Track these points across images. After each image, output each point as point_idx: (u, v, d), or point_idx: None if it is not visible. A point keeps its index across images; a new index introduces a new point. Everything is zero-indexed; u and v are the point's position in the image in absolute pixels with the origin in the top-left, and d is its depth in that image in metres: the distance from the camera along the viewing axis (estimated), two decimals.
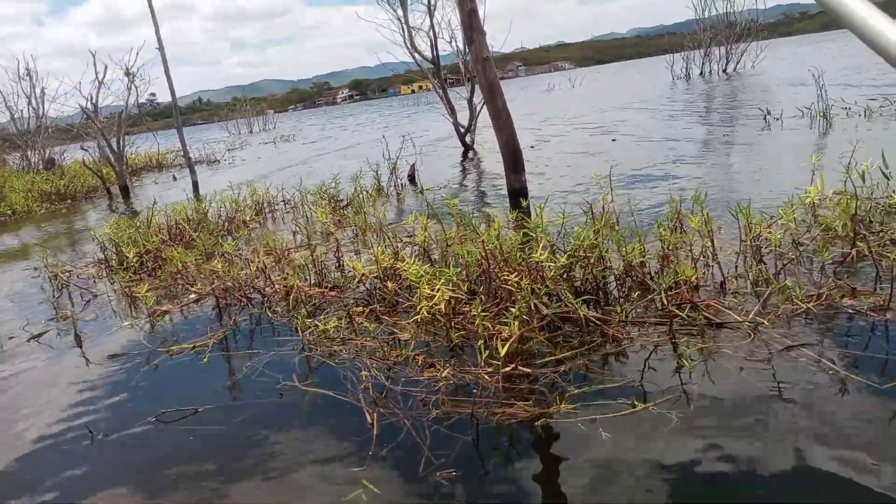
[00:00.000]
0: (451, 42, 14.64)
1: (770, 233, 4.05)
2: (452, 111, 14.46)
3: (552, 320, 3.52)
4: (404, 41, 14.37)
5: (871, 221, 4.37)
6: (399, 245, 4.97)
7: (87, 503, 2.60)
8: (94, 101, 17.05)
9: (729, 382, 2.77)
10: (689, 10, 35.16)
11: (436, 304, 3.47)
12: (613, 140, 12.38)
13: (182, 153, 15.09)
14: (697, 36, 33.83)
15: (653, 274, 3.99)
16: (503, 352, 2.83)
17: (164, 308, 5.00)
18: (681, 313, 3.33)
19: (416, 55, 14.46)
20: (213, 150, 25.30)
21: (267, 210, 9.22)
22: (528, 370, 3.10)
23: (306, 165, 16.27)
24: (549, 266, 3.63)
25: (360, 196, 8.46)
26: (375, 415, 2.85)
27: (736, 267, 4.05)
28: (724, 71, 32.63)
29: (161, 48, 13.63)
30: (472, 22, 7.35)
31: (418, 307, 3.57)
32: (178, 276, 5.61)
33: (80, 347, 4.54)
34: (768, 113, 11.56)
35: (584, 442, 2.51)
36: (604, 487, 2.25)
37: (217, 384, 3.56)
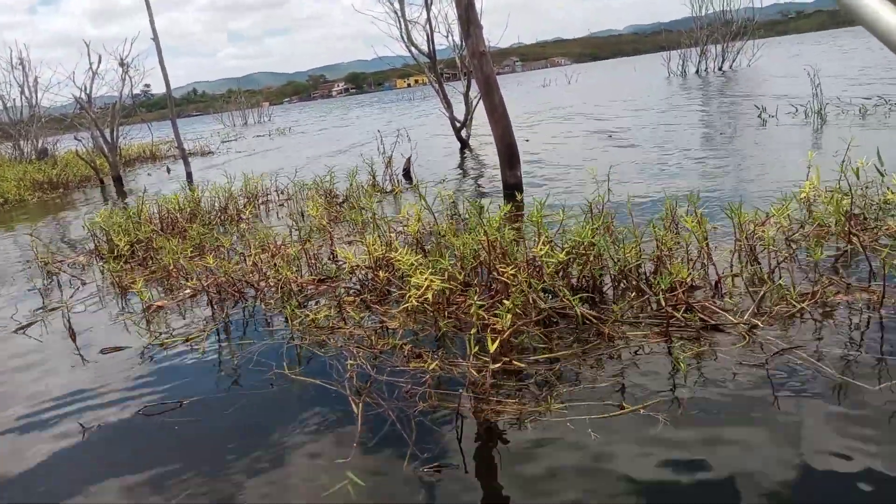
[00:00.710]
0: (447, 36, 14.57)
1: (764, 231, 4.05)
2: (449, 106, 14.41)
3: (548, 315, 3.51)
4: (401, 34, 14.30)
5: (865, 218, 4.38)
6: (392, 235, 4.95)
7: (77, 498, 2.57)
8: (87, 92, 16.92)
9: (723, 385, 2.75)
10: (685, 8, 35.33)
11: (424, 294, 3.45)
12: (609, 136, 12.38)
13: (176, 144, 15.00)
14: (694, 33, 33.85)
15: (648, 275, 3.96)
16: (493, 347, 2.81)
17: (159, 303, 4.96)
18: (676, 314, 3.31)
19: (413, 49, 14.39)
20: (208, 141, 25.18)
21: (260, 202, 9.17)
22: (521, 365, 3.08)
23: (310, 161, 16.19)
24: (547, 262, 3.61)
25: (357, 192, 8.38)
26: (361, 405, 2.83)
27: (731, 266, 4.04)
28: (720, 69, 32.66)
29: (156, 38, 13.53)
30: (468, 15, 7.32)
31: (408, 296, 3.55)
32: (172, 270, 5.56)
33: (74, 341, 4.49)
34: (763, 110, 11.57)
35: (572, 442, 2.48)
36: (589, 489, 2.23)
37: (207, 375, 3.54)
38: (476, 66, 7.50)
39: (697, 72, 33.06)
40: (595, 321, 3.40)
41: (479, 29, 7.40)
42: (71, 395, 3.51)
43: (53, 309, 5.21)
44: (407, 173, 10.11)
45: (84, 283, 5.84)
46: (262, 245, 5.79)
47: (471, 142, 14.20)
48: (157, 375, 3.66)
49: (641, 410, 2.61)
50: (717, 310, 3.40)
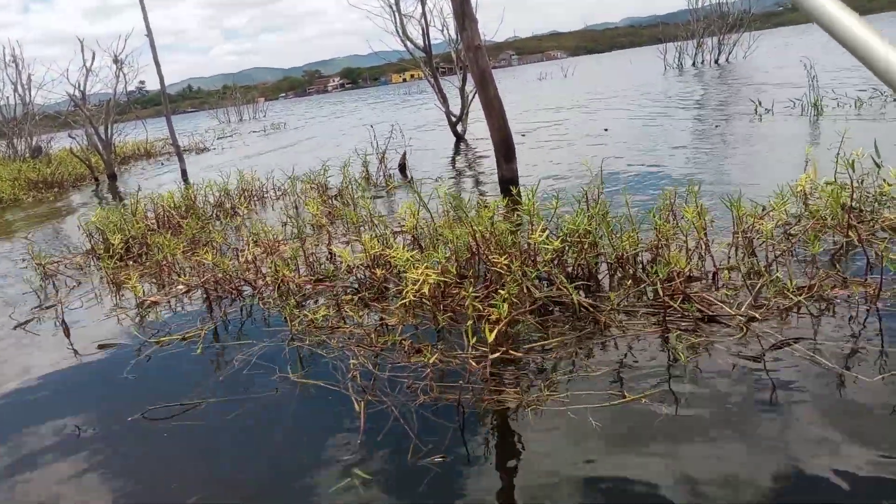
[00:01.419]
0: (443, 30, 14.54)
1: (762, 224, 4.04)
2: (444, 100, 14.38)
3: (544, 304, 3.51)
4: (396, 29, 14.26)
5: (861, 210, 4.37)
6: (388, 233, 4.93)
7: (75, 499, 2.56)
8: (81, 89, 16.84)
9: (720, 376, 2.75)
10: (682, 0, 35.29)
11: (421, 288, 3.44)
12: (605, 130, 12.37)
13: (171, 141, 14.94)
14: (690, 26, 33.82)
15: (644, 264, 3.97)
16: (491, 337, 2.81)
17: (153, 298, 4.94)
18: (674, 303, 3.31)
19: (408, 43, 14.34)
20: (203, 138, 25.08)
21: (256, 198, 9.13)
22: (518, 354, 3.08)
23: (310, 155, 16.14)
24: (543, 249, 3.61)
25: (350, 187, 8.34)
26: (363, 404, 2.83)
27: (729, 259, 4.03)
28: (717, 61, 32.65)
29: (150, 35, 13.45)
30: (464, 9, 7.28)
31: (405, 291, 3.54)
32: (165, 264, 5.54)
33: (68, 337, 4.47)
34: (759, 103, 11.55)
35: (573, 430, 2.49)
36: (591, 477, 2.23)
37: (207, 376, 3.49)
38: (472, 60, 7.47)
39: (694, 64, 33.04)
40: (591, 309, 3.40)
41: (475, 23, 7.37)
42: (66, 395, 3.49)
43: (49, 307, 5.19)
44: (402, 168, 10.09)
45: (79, 283, 5.81)
46: (254, 239, 5.77)
47: (466, 136, 14.17)
48: (153, 375, 3.64)
49: (643, 400, 2.61)
50: (715, 301, 3.40)
